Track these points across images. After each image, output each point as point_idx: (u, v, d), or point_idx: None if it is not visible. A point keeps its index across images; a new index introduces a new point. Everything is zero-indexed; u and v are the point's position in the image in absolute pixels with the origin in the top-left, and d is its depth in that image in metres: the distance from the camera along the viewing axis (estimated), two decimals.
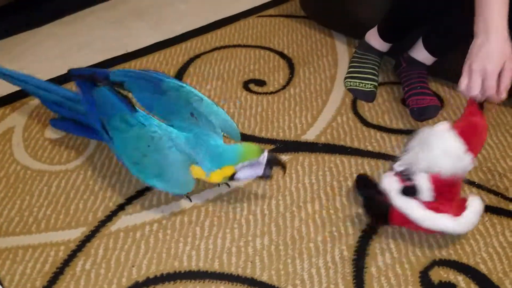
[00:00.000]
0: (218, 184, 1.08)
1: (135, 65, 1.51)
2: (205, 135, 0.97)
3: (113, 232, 1.00)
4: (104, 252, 0.96)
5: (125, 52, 1.57)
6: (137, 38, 1.64)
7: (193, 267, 0.93)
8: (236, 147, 0.96)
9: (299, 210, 1.03)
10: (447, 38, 1.22)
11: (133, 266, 0.93)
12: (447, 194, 0.92)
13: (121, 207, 1.05)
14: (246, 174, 0.97)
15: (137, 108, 1.01)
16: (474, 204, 0.92)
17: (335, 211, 1.04)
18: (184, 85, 1.03)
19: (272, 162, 0.96)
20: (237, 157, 0.94)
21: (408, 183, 0.92)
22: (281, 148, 1.19)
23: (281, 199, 1.06)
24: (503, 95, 0.93)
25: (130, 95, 1.04)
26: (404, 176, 0.93)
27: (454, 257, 0.93)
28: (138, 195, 1.08)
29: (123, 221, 1.02)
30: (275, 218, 1.02)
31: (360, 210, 1.03)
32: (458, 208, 0.92)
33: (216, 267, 0.93)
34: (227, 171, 0.95)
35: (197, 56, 1.54)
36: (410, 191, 0.91)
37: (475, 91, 0.93)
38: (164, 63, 1.52)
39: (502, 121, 1.24)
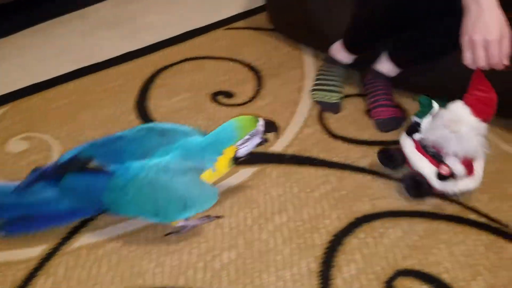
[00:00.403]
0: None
1: (100, 76, 1.49)
2: (186, 142, 0.94)
3: (75, 250, 0.97)
4: (65, 271, 0.93)
5: (95, 62, 1.55)
6: (107, 48, 1.63)
7: (157, 284, 0.91)
8: (230, 126, 0.92)
9: (267, 222, 1.03)
10: (413, 50, 1.25)
11: (95, 285, 0.91)
12: (469, 165, 1.04)
13: (83, 224, 1.02)
14: (247, 148, 0.94)
15: (111, 168, 0.92)
16: (479, 162, 1.06)
17: (303, 222, 1.04)
18: (143, 126, 1.00)
19: (268, 127, 0.94)
20: (235, 134, 0.91)
21: (444, 171, 1.01)
22: (249, 160, 1.18)
23: (248, 211, 1.06)
24: (506, 61, 0.95)
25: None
26: (435, 157, 1.04)
27: (418, 267, 0.94)
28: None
29: (85, 238, 0.99)
30: (242, 231, 1.01)
31: (327, 221, 1.03)
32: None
33: (181, 283, 0.91)
34: (230, 153, 0.92)
35: (165, 68, 1.53)
36: (448, 177, 1.02)
37: (482, 63, 0.95)
38: (131, 74, 1.50)
39: None
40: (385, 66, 1.30)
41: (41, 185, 0.95)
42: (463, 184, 1.04)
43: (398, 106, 1.32)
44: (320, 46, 1.54)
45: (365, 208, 1.06)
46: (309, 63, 1.55)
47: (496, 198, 1.08)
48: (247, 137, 0.91)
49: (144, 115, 1.34)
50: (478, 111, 0.98)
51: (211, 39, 1.68)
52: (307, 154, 1.21)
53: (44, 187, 0.95)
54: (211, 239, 1.00)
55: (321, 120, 1.33)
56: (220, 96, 1.42)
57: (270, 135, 0.97)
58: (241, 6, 1.88)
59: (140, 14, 1.85)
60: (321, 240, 1.00)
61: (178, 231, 1.00)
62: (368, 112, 1.33)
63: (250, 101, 1.40)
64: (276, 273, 0.93)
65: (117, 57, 1.58)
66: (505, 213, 1.05)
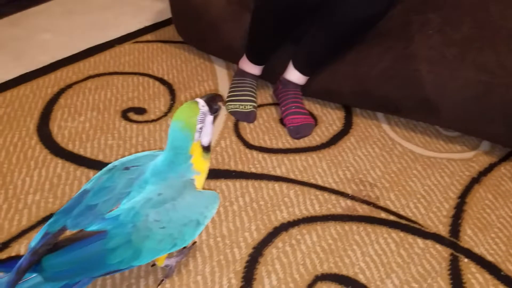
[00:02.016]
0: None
1: None
2: (155, 167, 0.84)
3: None
4: None
5: None
6: None
7: None
8: (175, 129, 0.82)
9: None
10: (311, 57, 1.31)
11: None
12: None
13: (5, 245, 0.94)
14: (207, 132, 0.85)
15: (95, 228, 0.78)
16: None
17: (222, 238, 1.02)
18: (101, 171, 0.88)
19: (211, 102, 0.84)
20: (186, 133, 0.81)
21: None
22: None
23: None
24: None
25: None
26: None
27: (334, 270, 0.97)
28: (3, 247, 0.96)
29: None
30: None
31: (247, 233, 1.03)
32: None
33: None
34: (196, 149, 0.83)
35: (69, 86, 1.44)
36: None
37: None
38: (31, 96, 1.40)
39: (370, 133, 1.34)
40: (293, 75, 1.34)
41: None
42: None
43: (308, 113, 1.36)
44: (230, 58, 1.55)
45: (283, 216, 1.08)
46: (222, 75, 1.55)
47: (402, 195, 1.15)
48: (199, 126, 0.82)
49: (46, 138, 1.25)
50: None
51: (117, 54, 1.62)
52: (225, 167, 1.20)
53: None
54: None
55: (236, 131, 1.32)
56: (131, 113, 1.37)
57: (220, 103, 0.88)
58: (147, 20, 1.83)
59: (31, 34, 1.72)
60: (241, 254, 0.99)
61: (167, 274, 0.94)
62: (281, 120, 1.36)
63: (164, 116, 1.36)
64: None
65: (10, 80, 1.46)
66: (412, 209, 1.11)
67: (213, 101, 0.84)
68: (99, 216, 0.78)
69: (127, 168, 0.84)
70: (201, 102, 0.83)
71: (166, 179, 0.82)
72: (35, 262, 0.75)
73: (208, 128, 0.85)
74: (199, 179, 0.86)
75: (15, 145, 1.23)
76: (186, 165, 0.83)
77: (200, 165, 0.85)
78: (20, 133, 1.27)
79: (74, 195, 0.84)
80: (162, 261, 0.92)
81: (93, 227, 0.77)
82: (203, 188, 0.88)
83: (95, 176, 0.86)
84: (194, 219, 0.82)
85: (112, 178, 0.83)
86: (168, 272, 0.95)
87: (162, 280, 0.94)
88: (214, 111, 0.85)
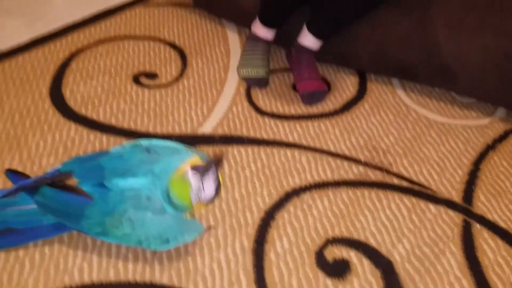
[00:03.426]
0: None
1: (10, 64, 1.37)
2: (163, 175, 0.86)
3: None
4: None
5: None
6: (11, 36, 1.48)
7: (86, 280, 0.87)
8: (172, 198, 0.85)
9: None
10: (329, 21, 1.27)
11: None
12: None
13: None
14: (207, 191, 0.84)
15: (89, 189, 0.86)
16: None
17: (234, 202, 1.03)
18: (129, 142, 0.93)
19: (204, 170, 0.83)
20: (184, 205, 0.86)
21: None
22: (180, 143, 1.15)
23: None
24: None
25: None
26: None
27: (346, 234, 0.98)
28: None
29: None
30: None
31: (259, 198, 1.03)
32: None
33: (111, 276, 0.88)
34: (198, 206, 0.87)
35: (80, 51, 1.43)
36: None
37: None
38: (43, 60, 1.39)
39: (384, 99, 1.32)
40: (307, 39, 1.31)
41: (23, 197, 0.90)
42: None
43: (322, 79, 1.34)
44: (242, 22, 1.52)
45: (294, 182, 1.08)
46: (233, 40, 1.52)
47: (415, 162, 1.14)
48: (193, 197, 0.84)
49: (59, 102, 1.25)
50: None
51: (128, 18, 1.59)
52: (236, 133, 1.20)
53: (26, 199, 0.90)
54: None
55: (248, 97, 1.31)
56: (143, 77, 1.36)
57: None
58: None
59: None
60: (253, 218, 1.00)
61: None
62: (294, 86, 1.34)
63: (175, 81, 1.35)
64: (210, 255, 0.92)
65: (23, 44, 1.45)
66: (425, 175, 1.11)
67: (205, 170, 0.83)
68: (100, 179, 0.86)
69: (148, 151, 0.89)
70: (190, 173, 0.83)
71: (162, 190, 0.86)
72: (35, 187, 0.87)
73: (208, 185, 0.84)
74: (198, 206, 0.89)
75: (28, 109, 1.23)
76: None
77: (199, 208, 0.92)
78: (33, 96, 1.27)
79: (97, 152, 0.93)
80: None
81: (88, 187, 0.86)
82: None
83: (124, 144, 0.93)
84: (164, 237, 0.87)
85: (131, 153, 0.90)
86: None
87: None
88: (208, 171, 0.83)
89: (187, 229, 0.89)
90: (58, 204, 0.86)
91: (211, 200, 0.86)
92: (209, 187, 0.84)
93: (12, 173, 0.95)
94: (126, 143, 0.93)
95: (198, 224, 0.91)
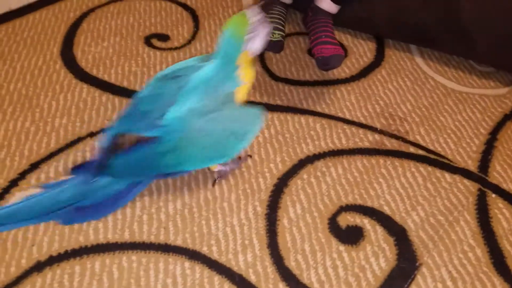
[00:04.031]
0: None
1: (20, 23, 1.34)
2: (199, 76, 0.86)
3: None
4: None
5: (8, 10, 1.38)
6: None
7: (101, 240, 0.88)
8: (223, 37, 0.85)
9: (212, 171, 1.01)
10: None
11: (33, 245, 0.86)
12: None
13: (13, 183, 0.95)
14: (259, 42, 0.87)
15: (149, 133, 0.84)
16: None
17: (247, 168, 1.03)
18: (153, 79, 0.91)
19: (266, 8, 0.88)
20: (235, 42, 0.85)
21: None
22: None
23: None
24: None
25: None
26: None
27: (359, 201, 0.97)
28: (32, 168, 0.98)
29: (18, 198, 0.92)
30: (187, 182, 0.99)
31: (272, 165, 1.03)
32: None
33: (126, 237, 0.89)
34: (245, 59, 0.86)
35: (91, 10, 1.40)
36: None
37: None
38: (53, 20, 1.36)
39: (402, 66, 1.29)
40: (325, 3, 1.27)
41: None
42: None
43: (339, 43, 1.31)
44: None
45: (308, 149, 1.07)
46: (247, 0, 1.48)
47: (432, 130, 1.12)
48: (249, 35, 0.85)
49: (70, 63, 1.24)
50: None
51: None
52: (250, 98, 1.18)
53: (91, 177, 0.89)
54: (154, 192, 0.96)
55: (262, 61, 1.28)
56: (154, 39, 1.33)
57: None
58: None
59: None
60: (266, 184, 1.00)
61: (221, 175, 0.99)
62: (310, 51, 1.31)
63: (187, 43, 1.32)
64: (223, 219, 0.93)
65: (32, 3, 1.41)
66: (442, 144, 1.09)
67: (264, 8, 0.87)
68: (152, 122, 0.84)
69: (176, 77, 0.88)
70: (254, 11, 0.85)
71: (211, 89, 0.86)
72: (102, 166, 0.86)
73: (260, 38, 0.87)
74: (244, 89, 0.89)
75: (39, 69, 1.22)
76: (233, 75, 0.87)
77: (247, 75, 0.89)
78: (44, 56, 1.25)
79: (130, 104, 0.90)
80: (215, 166, 0.97)
81: (147, 133, 0.84)
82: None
83: (148, 83, 0.91)
84: (236, 131, 0.87)
85: (163, 86, 0.88)
86: (222, 174, 1.00)
87: (215, 180, 0.99)
88: (266, 21, 0.87)
89: (248, 116, 0.89)
90: (131, 164, 0.86)
91: (257, 53, 0.88)
92: (259, 39, 0.87)
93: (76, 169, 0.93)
94: (152, 80, 0.90)
95: (255, 110, 0.89)
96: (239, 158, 1.03)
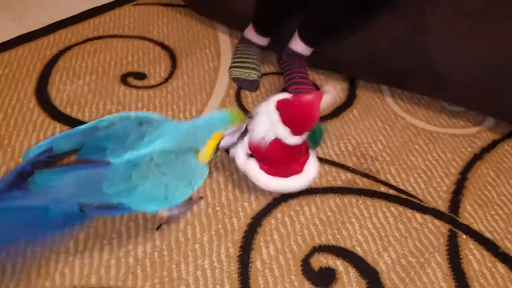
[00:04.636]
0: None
1: None
2: (171, 126, 0.87)
3: None
4: None
5: None
6: None
7: (67, 286, 0.85)
8: (223, 113, 0.91)
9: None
10: (319, 27, 1.27)
11: None
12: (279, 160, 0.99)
13: None
14: (226, 141, 0.94)
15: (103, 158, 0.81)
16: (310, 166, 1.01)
17: (221, 207, 1.02)
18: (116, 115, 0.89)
19: (245, 130, 0.96)
20: (227, 122, 0.90)
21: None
22: None
23: None
24: None
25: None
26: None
27: (332, 242, 0.97)
28: None
29: None
30: (158, 223, 0.97)
31: (246, 203, 1.02)
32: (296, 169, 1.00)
33: (93, 283, 0.86)
34: (216, 139, 0.90)
35: (68, 49, 1.41)
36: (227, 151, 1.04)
37: None
38: (30, 58, 1.36)
39: (373, 106, 1.32)
40: (299, 45, 1.30)
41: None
42: (271, 185, 1.00)
43: (312, 84, 1.34)
44: (234, 25, 1.50)
45: None
46: (224, 41, 1.51)
47: (403, 170, 1.14)
48: (233, 129, 0.91)
49: (45, 101, 1.23)
50: (282, 109, 0.93)
51: (117, 16, 1.57)
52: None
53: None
54: (123, 234, 0.95)
55: (238, 100, 1.30)
56: (131, 77, 1.34)
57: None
58: None
59: None
60: (240, 224, 0.99)
61: (168, 221, 0.98)
62: (284, 90, 1.33)
63: (164, 82, 1.33)
64: (194, 262, 0.91)
65: (9, 40, 1.42)
66: (412, 184, 1.11)
67: (245, 131, 0.96)
68: (103, 156, 0.80)
69: (141, 124, 0.86)
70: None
71: (179, 141, 0.86)
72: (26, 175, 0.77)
73: (231, 139, 0.94)
74: (202, 159, 0.90)
75: (13, 108, 1.21)
76: (204, 139, 0.89)
77: (208, 151, 0.90)
78: (18, 95, 1.25)
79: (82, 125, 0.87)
80: (164, 212, 0.96)
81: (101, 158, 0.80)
82: None
83: (107, 117, 0.87)
84: (187, 178, 0.87)
85: (126, 128, 0.85)
86: (169, 219, 0.98)
87: (160, 225, 0.97)
88: (238, 139, 0.96)
89: (201, 169, 0.90)
90: (73, 179, 0.78)
91: (223, 147, 0.95)
92: (229, 141, 0.94)
93: None
94: (113, 116, 0.87)
95: (204, 168, 0.91)
96: (190, 200, 1.02)
